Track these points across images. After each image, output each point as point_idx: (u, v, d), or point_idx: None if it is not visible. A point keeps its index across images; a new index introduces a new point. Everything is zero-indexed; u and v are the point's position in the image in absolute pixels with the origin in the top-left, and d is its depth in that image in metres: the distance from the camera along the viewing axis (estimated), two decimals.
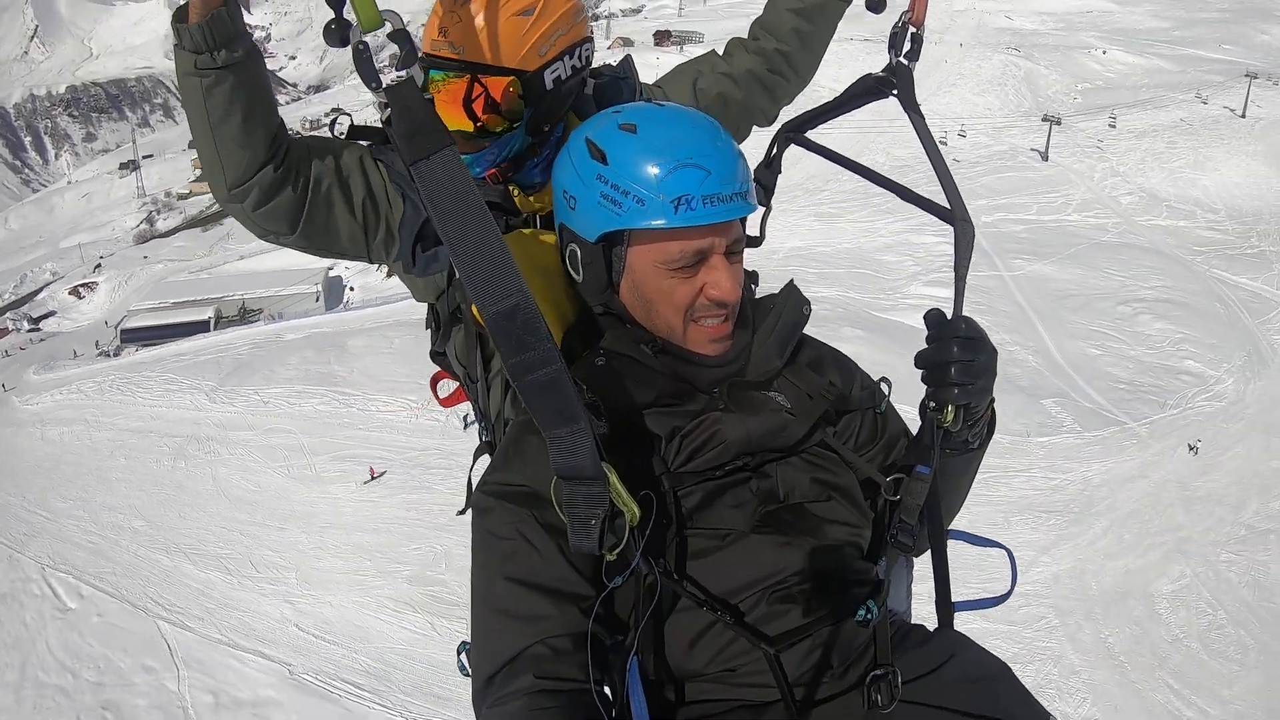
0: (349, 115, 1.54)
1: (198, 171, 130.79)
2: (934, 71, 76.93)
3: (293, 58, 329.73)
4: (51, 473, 26.30)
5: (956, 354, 1.33)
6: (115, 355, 41.97)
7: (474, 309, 1.51)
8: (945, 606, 1.57)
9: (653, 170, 1.32)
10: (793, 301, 1.56)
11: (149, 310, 56.07)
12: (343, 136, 1.71)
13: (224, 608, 19.38)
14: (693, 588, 1.32)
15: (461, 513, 1.59)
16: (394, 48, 1.18)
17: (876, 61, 1.66)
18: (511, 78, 1.69)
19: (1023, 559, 11.29)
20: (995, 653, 1.46)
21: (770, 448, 1.42)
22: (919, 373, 1.43)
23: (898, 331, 27.11)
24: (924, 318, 1.39)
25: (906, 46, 1.62)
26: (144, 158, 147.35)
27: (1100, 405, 25.58)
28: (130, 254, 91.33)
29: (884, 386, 1.62)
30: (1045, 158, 52.70)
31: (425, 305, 2.04)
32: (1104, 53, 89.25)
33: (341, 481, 23.27)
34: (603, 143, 1.38)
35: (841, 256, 38.11)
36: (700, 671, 1.34)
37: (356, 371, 29.08)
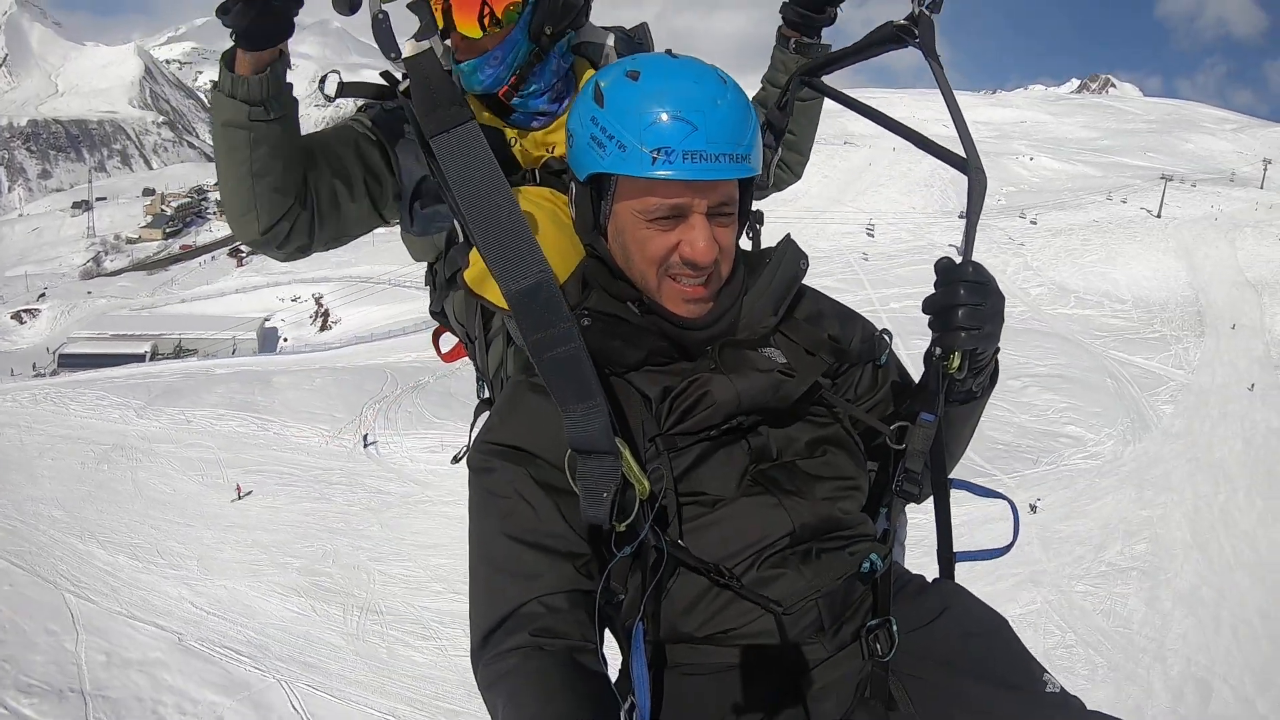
0: (337, 73, 1.49)
1: (149, 218, 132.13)
2: (865, 173, 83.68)
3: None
4: None
5: (964, 297, 1.30)
6: (51, 377, 43.81)
7: (465, 276, 1.47)
8: (946, 557, 1.54)
9: (639, 118, 1.28)
10: (790, 255, 1.52)
11: (88, 339, 57.69)
12: (333, 96, 1.58)
13: (128, 586, 21.66)
14: (693, 555, 1.30)
15: (456, 461, 1.67)
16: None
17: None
18: None
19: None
20: None
21: (766, 406, 1.40)
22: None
23: None
24: (934, 266, 1.35)
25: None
26: (97, 199, 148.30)
27: (974, 462, 26.17)
28: (75, 287, 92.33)
29: (885, 337, 1.55)
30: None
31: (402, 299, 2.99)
32: (1031, 159, 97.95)
33: (254, 493, 25.88)
34: (605, 86, 1.35)
35: None
36: (693, 634, 1.33)
37: (277, 402, 32.02)
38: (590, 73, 1.80)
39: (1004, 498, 1.66)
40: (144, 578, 22.10)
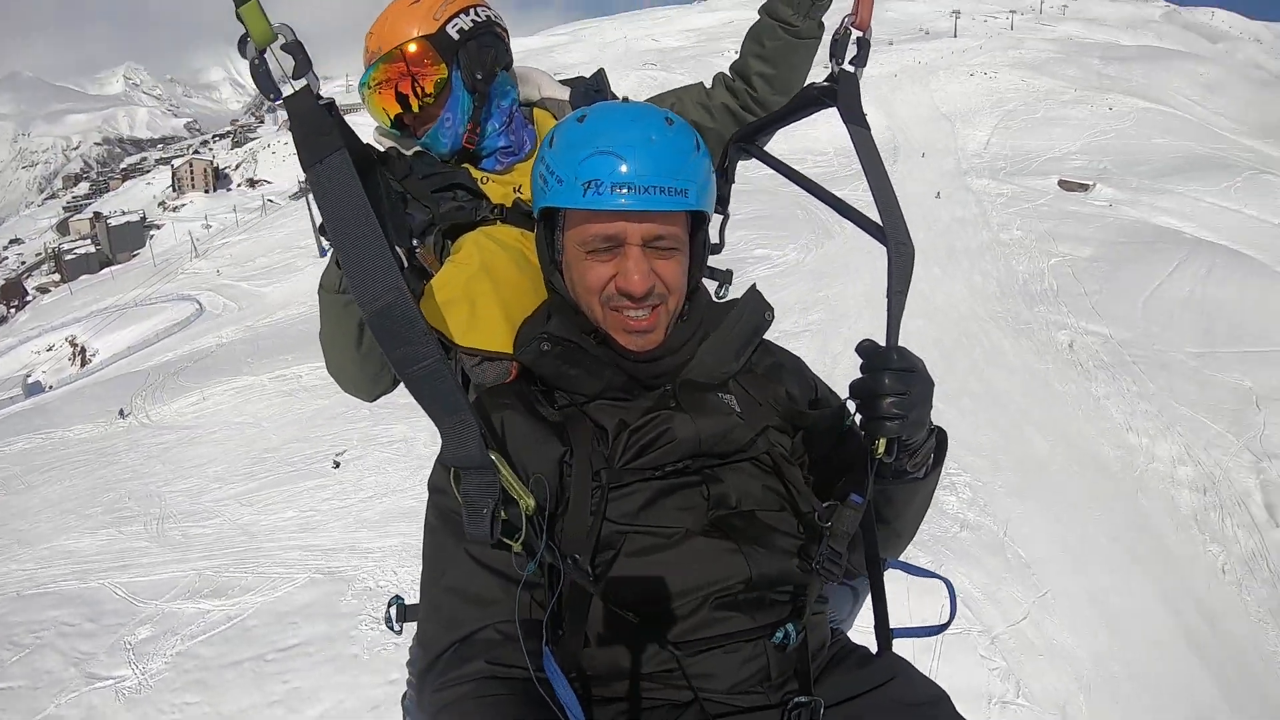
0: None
1: None
2: None
3: None
4: None
5: (889, 386, 1.29)
6: None
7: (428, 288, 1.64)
8: (884, 632, 1.52)
9: (576, 154, 1.35)
10: (754, 305, 1.54)
11: None
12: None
13: None
14: (627, 585, 1.29)
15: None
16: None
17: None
18: (418, 39, 1.81)
19: None
20: None
21: (716, 452, 1.41)
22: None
23: None
24: (857, 349, 1.34)
25: (852, 52, 1.55)
26: None
27: None
28: None
29: (850, 406, 1.42)
30: None
31: None
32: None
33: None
34: (556, 129, 1.43)
35: None
36: (629, 669, 1.32)
37: (57, 418, 33.27)
38: (552, 123, 1.91)
39: (941, 578, 1.61)
40: None
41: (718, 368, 1.49)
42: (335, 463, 16.14)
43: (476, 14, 1.88)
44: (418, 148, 1.92)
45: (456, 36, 1.84)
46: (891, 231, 1.44)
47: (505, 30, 1.95)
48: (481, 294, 1.66)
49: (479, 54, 1.86)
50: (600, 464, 1.36)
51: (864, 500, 1.35)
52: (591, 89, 2.07)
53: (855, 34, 1.55)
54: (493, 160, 1.94)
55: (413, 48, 1.82)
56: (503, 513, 1.18)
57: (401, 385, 1.61)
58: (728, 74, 2.12)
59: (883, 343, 1.37)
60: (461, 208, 1.83)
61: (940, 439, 1.47)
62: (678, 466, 1.40)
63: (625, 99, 1.72)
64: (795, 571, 1.38)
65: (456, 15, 1.85)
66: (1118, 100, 65.49)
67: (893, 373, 1.31)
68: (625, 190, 1.33)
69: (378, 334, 1.14)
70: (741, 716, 1.30)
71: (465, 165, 1.92)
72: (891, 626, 1.53)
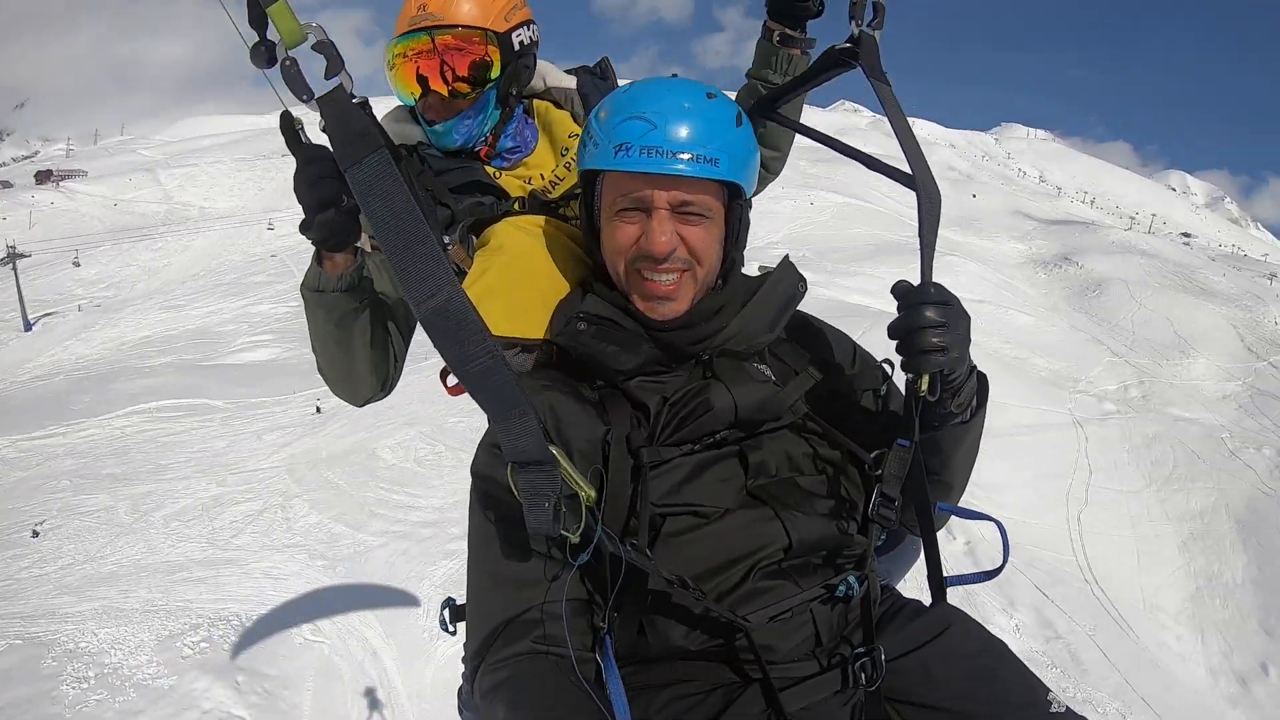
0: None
1: None
2: None
3: None
4: None
5: (928, 319, 1.28)
6: None
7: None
8: (937, 582, 1.50)
9: (612, 118, 1.38)
10: (788, 276, 1.53)
11: None
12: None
13: None
14: (670, 565, 1.26)
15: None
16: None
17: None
18: (485, 32, 1.79)
19: None
20: None
21: (757, 419, 1.41)
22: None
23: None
24: (892, 290, 1.33)
25: (870, 16, 1.56)
26: None
27: None
28: None
29: (886, 367, 1.52)
30: None
31: None
32: None
33: None
34: (606, 98, 1.47)
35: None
36: (687, 649, 1.31)
37: None
38: (556, 114, 1.98)
39: (992, 519, 1.56)
40: None
41: (753, 337, 1.48)
42: (34, 532, 14.77)
43: (534, 32, 1.91)
44: (420, 139, 1.92)
45: (518, 47, 1.86)
46: (920, 179, 1.45)
47: (537, 42, 1.97)
48: (514, 283, 1.64)
49: (522, 72, 1.90)
50: (641, 441, 1.35)
51: (911, 443, 1.36)
52: (597, 76, 2.10)
53: None
54: (500, 160, 1.96)
55: (476, 37, 1.80)
56: (562, 505, 1.17)
57: (389, 390, 1.78)
58: None
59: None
60: (481, 203, 1.84)
61: (982, 380, 1.45)
62: (716, 438, 1.40)
63: (674, 74, 1.68)
64: (836, 533, 1.38)
65: (523, 25, 1.87)
66: (819, 196, 73.27)
67: (932, 305, 1.30)
68: (652, 153, 1.34)
69: (432, 333, 1.13)
70: (800, 686, 1.30)
71: (473, 162, 1.94)
72: (945, 575, 1.51)
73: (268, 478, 15.86)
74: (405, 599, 11.86)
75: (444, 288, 1.11)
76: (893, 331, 1.32)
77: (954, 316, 1.31)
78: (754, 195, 1.69)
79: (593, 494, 1.18)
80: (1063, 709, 1.27)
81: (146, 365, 30.61)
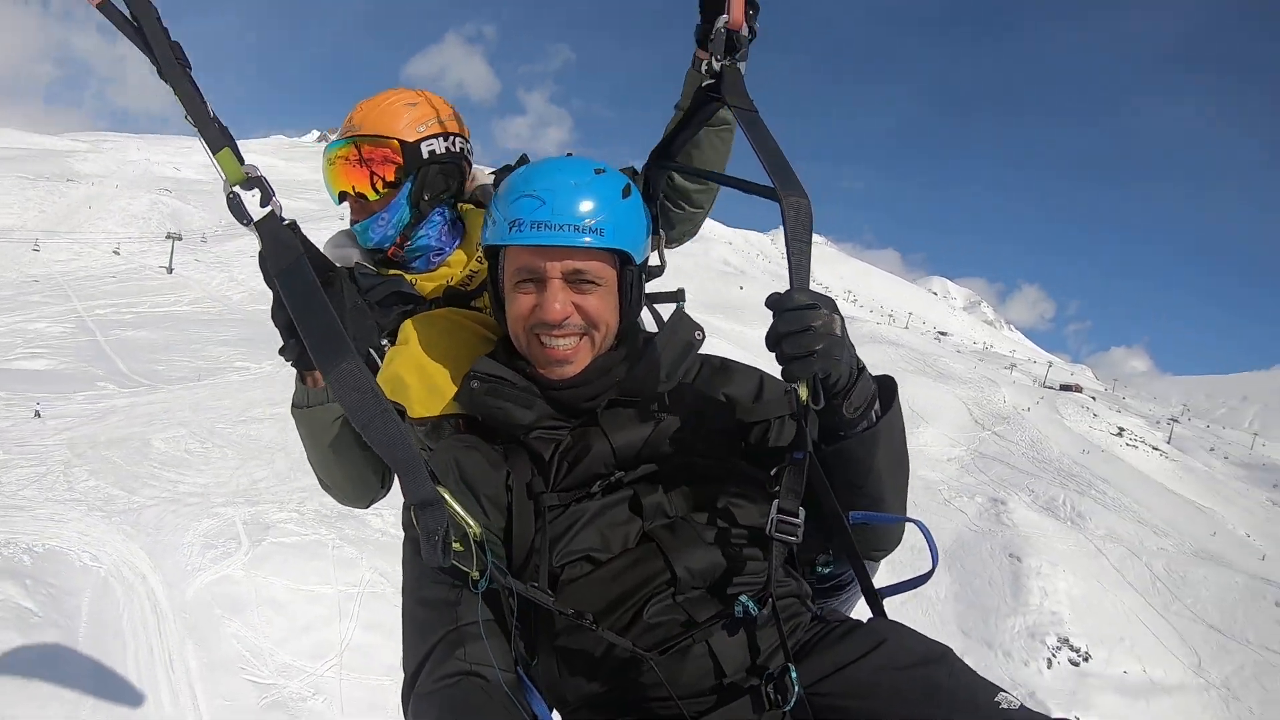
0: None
1: None
2: (79, 209, 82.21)
3: None
4: None
5: (789, 324, 1.29)
6: None
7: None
8: (871, 595, 1.50)
9: (507, 197, 1.50)
10: (682, 326, 1.62)
11: None
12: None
13: None
14: (542, 596, 1.35)
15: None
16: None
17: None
18: (394, 141, 1.99)
19: None
20: None
21: (644, 457, 1.50)
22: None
23: None
24: (765, 302, 1.35)
25: (732, 49, 1.66)
26: None
27: None
28: None
29: (800, 391, 1.39)
30: (170, 271, 59.64)
31: None
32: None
33: None
34: (504, 180, 1.58)
35: None
36: (600, 692, 1.36)
37: None
38: (476, 214, 2.15)
39: (914, 521, 1.53)
40: None
41: (645, 389, 1.55)
42: None
43: (453, 143, 2.10)
44: (358, 259, 2.13)
45: (426, 155, 2.05)
46: (783, 188, 1.45)
47: (470, 165, 2.19)
48: (419, 368, 1.76)
49: (435, 179, 2.07)
50: (540, 488, 1.47)
51: (804, 454, 1.35)
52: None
53: (729, 31, 1.65)
54: (423, 261, 2.12)
55: (386, 145, 2.01)
56: (454, 541, 1.29)
57: (389, 487, 1.82)
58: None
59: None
60: (406, 311, 2.00)
61: (884, 383, 1.47)
62: (609, 482, 1.48)
63: (569, 153, 1.72)
64: (726, 561, 1.42)
65: (436, 137, 2.07)
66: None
67: (798, 309, 1.30)
68: (541, 227, 1.45)
69: (335, 392, 1.24)
70: (712, 715, 1.32)
71: (396, 272, 2.10)
72: (877, 586, 1.52)
73: (51, 450, 17.23)
74: (172, 543, 14.18)
75: (345, 353, 1.24)
76: (767, 343, 1.32)
77: (823, 318, 1.29)
78: (682, 237, 2.10)
79: (477, 529, 1.31)
80: (1016, 705, 1.23)
81: None
